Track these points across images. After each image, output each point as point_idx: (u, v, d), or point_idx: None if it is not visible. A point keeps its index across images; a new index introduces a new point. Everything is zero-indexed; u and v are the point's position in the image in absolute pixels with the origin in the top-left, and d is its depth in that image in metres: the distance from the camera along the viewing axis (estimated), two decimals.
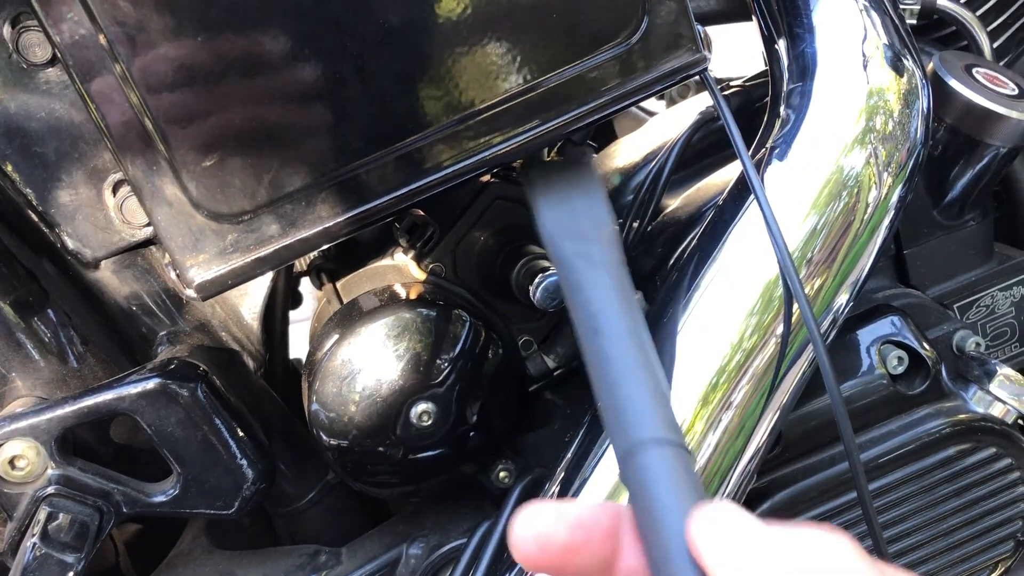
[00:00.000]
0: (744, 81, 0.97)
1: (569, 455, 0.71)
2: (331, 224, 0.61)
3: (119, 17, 0.54)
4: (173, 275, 0.76)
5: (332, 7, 0.57)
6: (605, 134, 1.23)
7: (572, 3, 0.61)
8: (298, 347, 1.14)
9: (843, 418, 0.54)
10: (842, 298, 0.69)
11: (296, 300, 1.14)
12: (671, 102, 1.22)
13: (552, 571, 0.41)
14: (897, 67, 0.71)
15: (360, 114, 0.60)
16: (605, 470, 0.69)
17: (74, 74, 0.55)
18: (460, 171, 0.63)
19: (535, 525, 0.39)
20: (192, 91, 0.57)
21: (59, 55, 0.55)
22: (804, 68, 0.71)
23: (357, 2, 0.58)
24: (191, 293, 0.60)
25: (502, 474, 0.83)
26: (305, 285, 1.16)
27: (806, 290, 0.67)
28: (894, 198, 0.69)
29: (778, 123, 0.71)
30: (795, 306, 0.65)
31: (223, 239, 0.59)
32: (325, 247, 0.63)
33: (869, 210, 0.68)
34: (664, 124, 1.05)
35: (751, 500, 0.75)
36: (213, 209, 0.59)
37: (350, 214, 0.61)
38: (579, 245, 0.58)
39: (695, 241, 0.71)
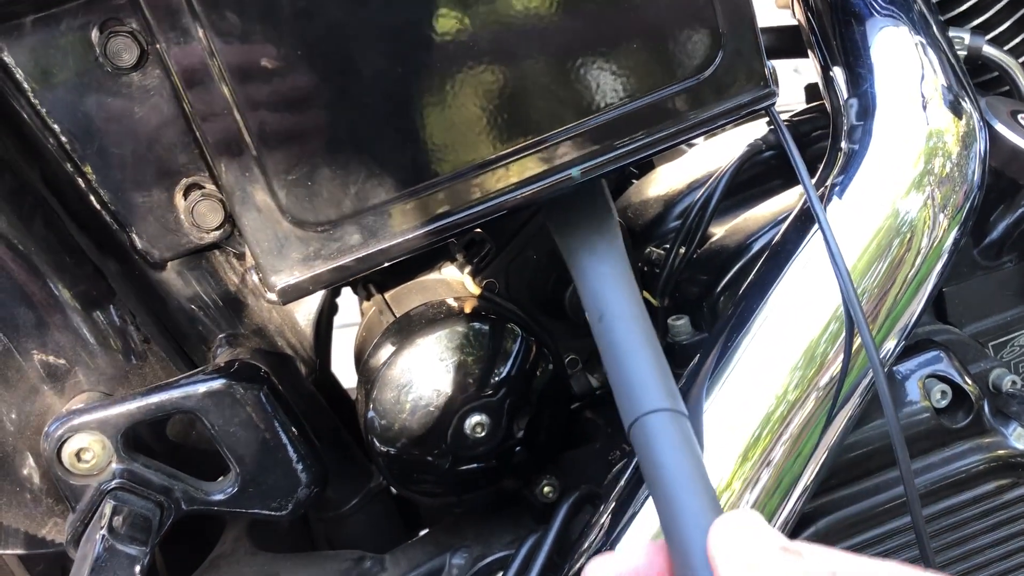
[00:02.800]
0: (792, 116, 0.99)
1: (622, 483, 0.72)
2: (410, 237, 0.63)
3: (226, 29, 0.56)
4: (256, 279, 0.78)
5: (422, 32, 0.59)
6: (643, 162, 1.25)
7: (652, 35, 0.64)
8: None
9: (903, 454, 0.56)
10: (894, 336, 0.70)
11: (333, 308, 1.16)
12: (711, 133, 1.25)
13: None
14: (956, 109, 0.73)
15: (444, 133, 0.62)
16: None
17: (178, 82, 0.57)
18: (534, 192, 0.64)
19: None
20: (288, 103, 0.59)
21: (166, 63, 0.57)
22: (865, 107, 0.73)
23: (446, 30, 0.60)
24: (272, 297, 0.62)
25: (546, 489, 0.84)
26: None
27: None
28: (949, 241, 0.71)
29: (838, 161, 0.73)
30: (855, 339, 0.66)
31: (307, 246, 0.61)
32: (398, 259, 0.65)
33: (924, 252, 0.70)
34: (704, 155, 1.07)
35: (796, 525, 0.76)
36: (300, 217, 0.60)
37: (427, 228, 0.63)
38: (585, 237, 0.64)
39: (753, 277, 0.73)
